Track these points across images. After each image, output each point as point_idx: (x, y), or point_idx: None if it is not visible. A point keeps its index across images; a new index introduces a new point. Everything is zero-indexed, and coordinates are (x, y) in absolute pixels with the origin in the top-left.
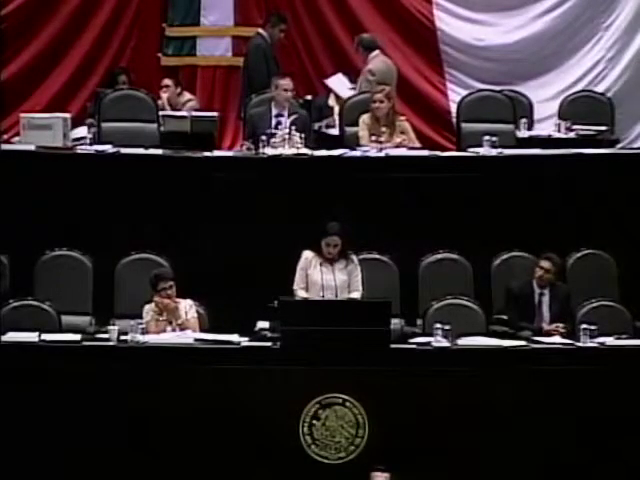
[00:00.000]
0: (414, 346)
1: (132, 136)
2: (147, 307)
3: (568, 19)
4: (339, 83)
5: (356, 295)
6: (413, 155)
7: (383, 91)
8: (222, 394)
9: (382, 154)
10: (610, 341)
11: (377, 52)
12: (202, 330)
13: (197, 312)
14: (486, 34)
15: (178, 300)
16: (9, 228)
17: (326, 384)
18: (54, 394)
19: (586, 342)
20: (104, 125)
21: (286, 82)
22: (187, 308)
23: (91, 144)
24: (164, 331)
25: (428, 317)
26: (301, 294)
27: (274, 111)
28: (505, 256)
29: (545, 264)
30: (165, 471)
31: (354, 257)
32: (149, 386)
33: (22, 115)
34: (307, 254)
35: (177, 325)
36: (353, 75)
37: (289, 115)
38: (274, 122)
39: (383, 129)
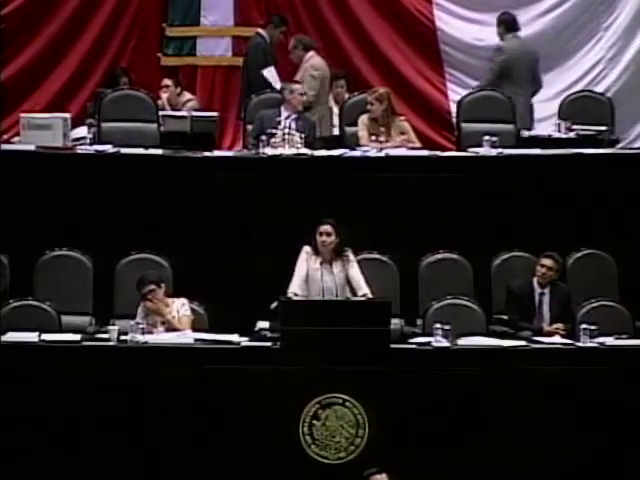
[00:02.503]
0: (414, 346)
1: (132, 136)
2: (139, 308)
3: (568, 19)
4: (272, 75)
5: (362, 293)
6: (413, 155)
7: (374, 93)
8: (222, 394)
9: (382, 154)
10: (610, 341)
11: (312, 53)
12: (202, 330)
13: (193, 311)
14: (486, 34)
15: (169, 300)
16: (9, 228)
17: (326, 384)
18: (54, 394)
19: (586, 342)
20: (104, 125)
21: (300, 87)
22: (179, 307)
23: (91, 144)
24: (151, 332)
25: (428, 317)
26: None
27: (284, 114)
28: (505, 256)
29: (547, 262)
30: (165, 471)
31: (349, 253)
32: (149, 386)
33: (22, 115)
34: (307, 249)
35: (161, 323)
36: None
37: (297, 118)
38: (286, 124)
39: (382, 129)
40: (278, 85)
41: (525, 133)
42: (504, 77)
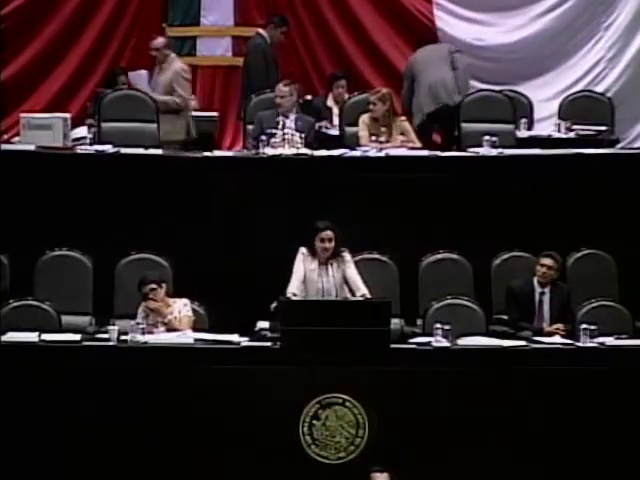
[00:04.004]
0: (414, 346)
1: (132, 136)
2: (140, 308)
3: (568, 19)
4: (140, 79)
5: (361, 293)
6: (413, 155)
7: (377, 94)
8: (222, 394)
9: (382, 154)
10: (610, 341)
11: (174, 55)
12: (202, 330)
13: (194, 311)
14: (486, 34)
15: (170, 300)
16: (9, 228)
17: (326, 384)
18: (54, 394)
19: (586, 342)
20: (104, 125)
21: (279, 89)
22: (181, 307)
23: (91, 144)
24: (151, 332)
25: (428, 317)
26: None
27: (281, 115)
28: (505, 256)
29: (547, 261)
30: (165, 471)
31: (346, 254)
32: (149, 386)
33: (22, 115)
34: (303, 250)
35: (162, 323)
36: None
37: (297, 118)
38: (285, 124)
39: (383, 129)
40: (146, 88)
41: (525, 133)
42: (416, 77)
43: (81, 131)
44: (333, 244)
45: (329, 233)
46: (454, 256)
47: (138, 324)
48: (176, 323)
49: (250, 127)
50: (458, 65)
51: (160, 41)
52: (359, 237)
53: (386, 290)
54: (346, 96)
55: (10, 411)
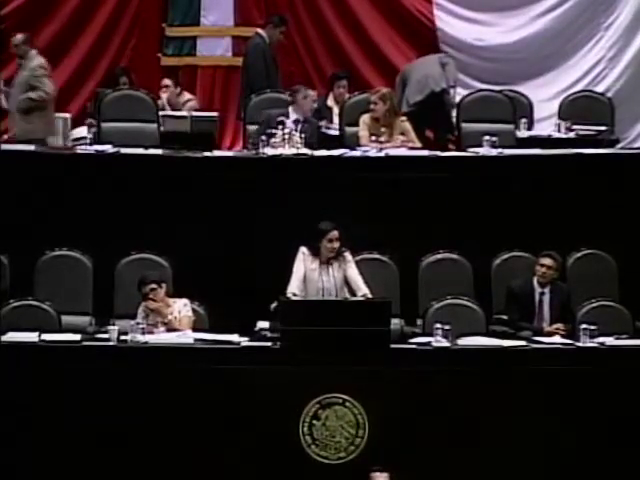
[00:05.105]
0: (414, 346)
1: (132, 136)
2: (140, 308)
3: (568, 19)
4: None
5: (362, 293)
6: (413, 155)
7: (378, 93)
8: (222, 394)
9: (382, 154)
10: (610, 341)
11: (35, 51)
12: (202, 330)
13: (194, 311)
14: (486, 34)
15: (170, 300)
16: (9, 228)
17: (326, 384)
18: (54, 394)
19: (586, 342)
20: (104, 125)
21: (314, 94)
22: (181, 307)
23: (91, 144)
24: (151, 332)
25: (428, 317)
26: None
27: (292, 115)
28: (505, 256)
29: (547, 261)
30: (164, 471)
31: (347, 254)
32: (149, 386)
33: None
34: (304, 249)
35: (162, 323)
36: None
37: (304, 121)
38: (292, 125)
39: (383, 129)
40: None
41: (525, 133)
42: (406, 79)
43: (81, 131)
44: (340, 243)
45: (336, 233)
46: (454, 256)
47: (138, 324)
48: (176, 323)
49: (250, 127)
50: (447, 61)
51: (19, 37)
52: (359, 237)
53: (386, 290)
54: (347, 96)
55: (10, 411)
